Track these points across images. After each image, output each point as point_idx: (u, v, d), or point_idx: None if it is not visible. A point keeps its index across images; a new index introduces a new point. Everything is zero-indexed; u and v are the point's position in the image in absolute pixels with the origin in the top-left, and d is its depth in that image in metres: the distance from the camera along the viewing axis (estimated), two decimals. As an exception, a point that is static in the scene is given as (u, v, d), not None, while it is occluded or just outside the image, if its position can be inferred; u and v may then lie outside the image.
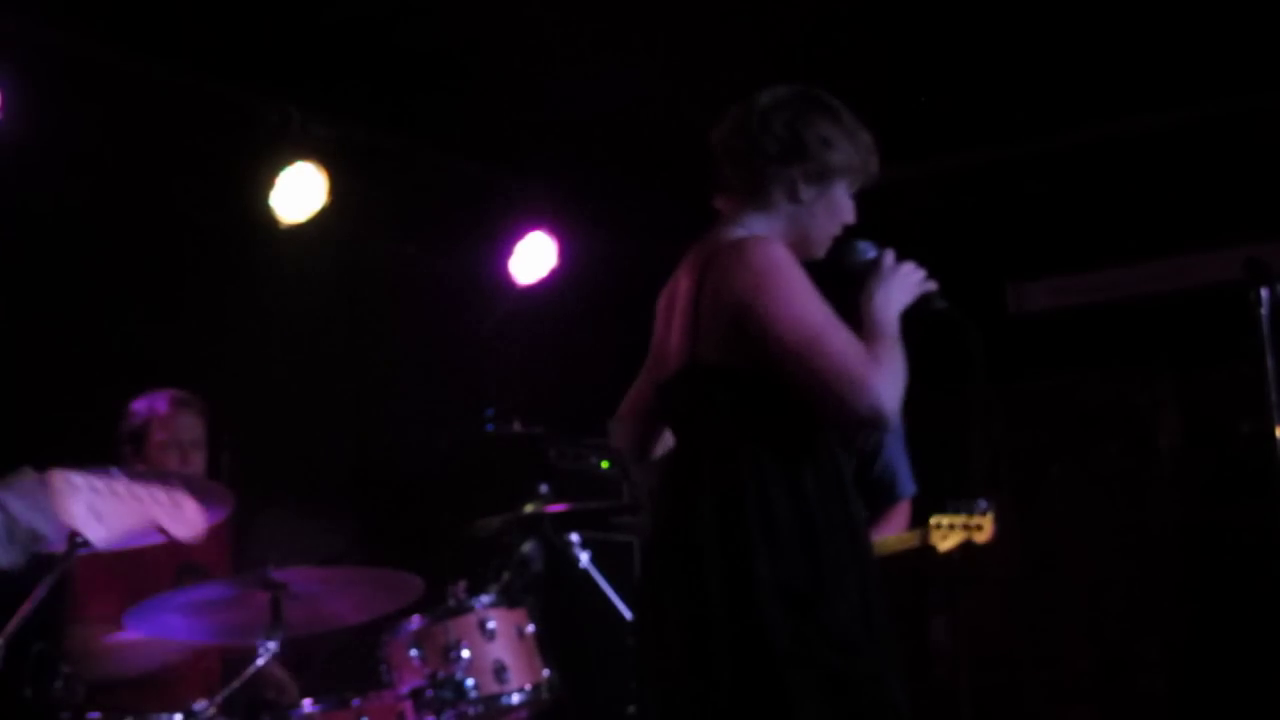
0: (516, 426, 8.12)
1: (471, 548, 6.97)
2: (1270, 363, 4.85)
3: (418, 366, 8.60)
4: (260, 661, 4.86)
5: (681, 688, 3.82)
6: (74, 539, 4.44)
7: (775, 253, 3.89)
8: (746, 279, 3.85)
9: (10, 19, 6.38)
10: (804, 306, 3.82)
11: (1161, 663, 8.51)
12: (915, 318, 4.03)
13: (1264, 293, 4.89)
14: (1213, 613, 8.57)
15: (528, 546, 6.60)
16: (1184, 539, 8.09)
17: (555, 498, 7.78)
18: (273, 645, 4.86)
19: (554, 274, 8.76)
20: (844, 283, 4.05)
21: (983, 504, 6.03)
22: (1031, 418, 8.43)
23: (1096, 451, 8.61)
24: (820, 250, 4.12)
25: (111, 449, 6.10)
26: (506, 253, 8.69)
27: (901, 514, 6.21)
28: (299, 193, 7.39)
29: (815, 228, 4.09)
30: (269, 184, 7.34)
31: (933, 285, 4.12)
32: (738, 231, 4.04)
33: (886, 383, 3.78)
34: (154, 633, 5.22)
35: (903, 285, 4.04)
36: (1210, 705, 8.02)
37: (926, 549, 6.09)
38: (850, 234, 4.19)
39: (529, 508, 6.71)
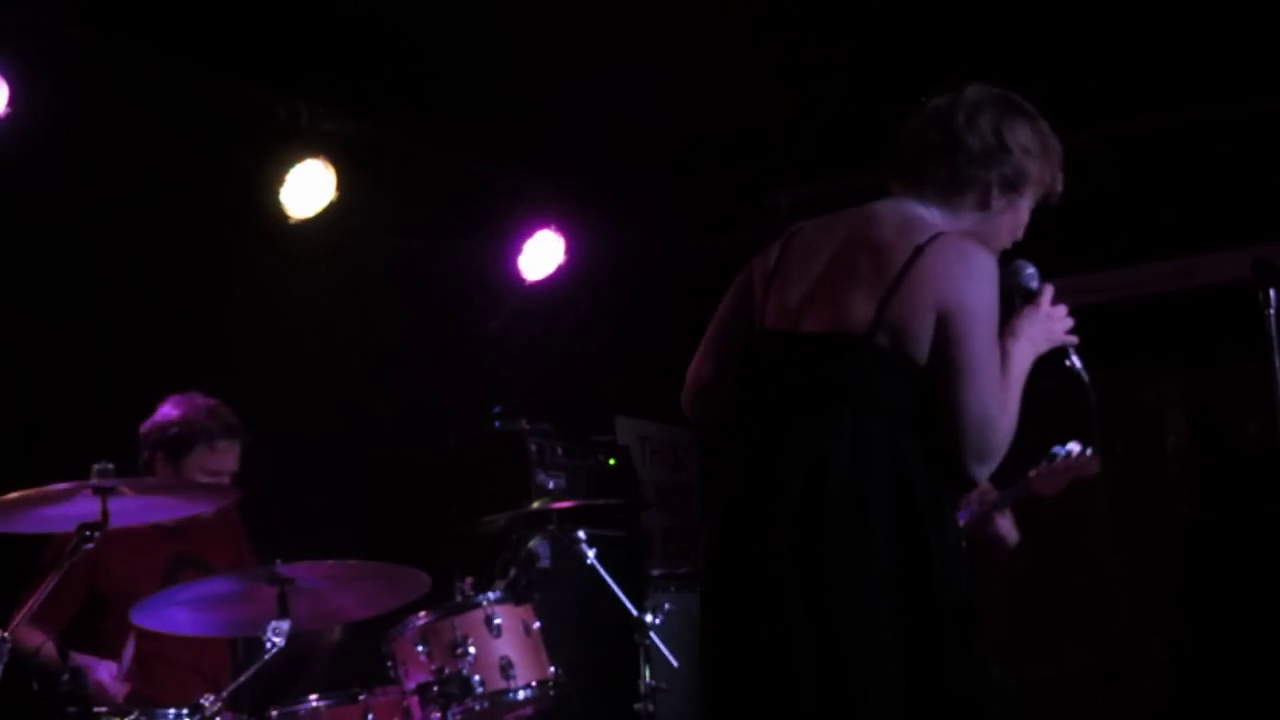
0: (523, 423, 8.13)
1: (478, 544, 6.97)
2: (1277, 363, 4.84)
3: (425, 363, 8.60)
4: (268, 655, 4.84)
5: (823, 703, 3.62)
6: (82, 530, 4.46)
7: (993, 270, 3.76)
8: (965, 282, 3.71)
9: (18, 13, 6.39)
10: (992, 342, 3.74)
11: (1168, 662, 8.51)
12: (1043, 364, 3.99)
13: (1271, 293, 4.89)
14: (1219, 612, 8.56)
15: (534, 543, 6.60)
16: (1190, 539, 8.08)
17: (562, 494, 7.81)
18: (281, 632, 4.84)
19: (561, 271, 8.77)
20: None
21: (1076, 446, 6.04)
22: (1036, 417, 8.41)
23: (1103, 451, 8.59)
24: None
25: (131, 443, 6.08)
26: (514, 250, 8.70)
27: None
28: (308, 189, 7.40)
29: (994, 239, 3.96)
30: (278, 180, 7.35)
31: (1074, 339, 4.06)
32: (931, 218, 3.88)
33: (996, 455, 3.74)
34: (159, 626, 5.21)
35: (1048, 331, 3.98)
36: (1217, 705, 8.01)
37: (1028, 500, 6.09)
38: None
39: (536, 504, 6.72)
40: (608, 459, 8.64)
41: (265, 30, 6.92)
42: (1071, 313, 4.09)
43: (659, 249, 9.51)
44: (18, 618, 4.72)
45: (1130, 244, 8.38)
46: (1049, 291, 4.03)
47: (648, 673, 6.42)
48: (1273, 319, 4.86)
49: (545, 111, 7.90)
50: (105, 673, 5.49)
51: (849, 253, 3.87)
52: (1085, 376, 4.16)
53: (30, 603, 4.58)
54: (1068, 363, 4.12)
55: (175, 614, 5.16)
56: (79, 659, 5.50)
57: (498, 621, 5.67)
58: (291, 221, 7.42)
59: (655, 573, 8.86)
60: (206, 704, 4.71)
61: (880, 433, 3.72)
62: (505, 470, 7.99)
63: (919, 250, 3.74)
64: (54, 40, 6.58)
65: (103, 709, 5.03)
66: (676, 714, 6.96)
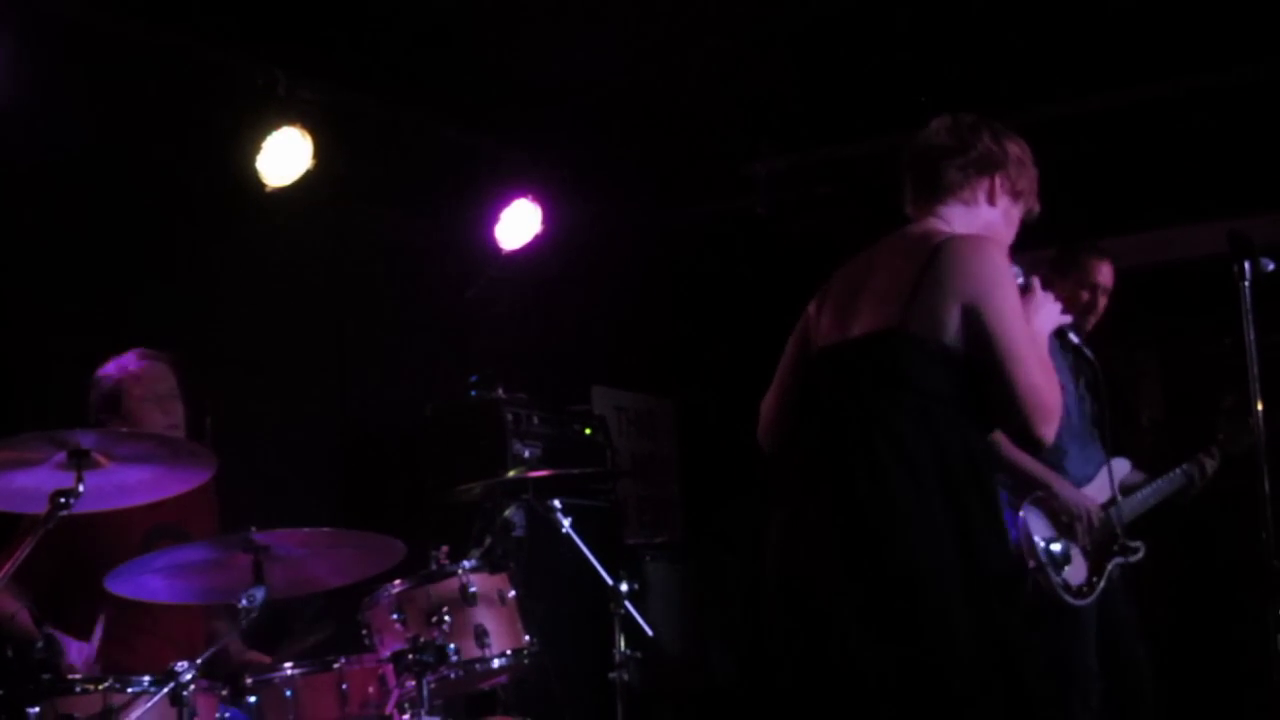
0: (500, 392, 8.13)
1: (454, 512, 6.98)
2: (1252, 335, 4.87)
3: (402, 331, 8.60)
4: (244, 623, 4.84)
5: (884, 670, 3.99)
6: (56, 499, 4.45)
7: (1005, 260, 4.21)
8: (984, 276, 4.12)
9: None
10: (1020, 321, 4.15)
11: (1144, 635, 8.53)
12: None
13: (1246, 266, 4.92)
14: (1193, 584, 8.60)
15: (510, 512, 6.62)
16: (1164, 511, 8.10)
17: (538, 463, 7.81)
18: (256, 599, 4.84)
19: (538, 240, 8.76)
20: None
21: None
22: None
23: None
24: None
25: (86, 416, 6.09)
26: (491, 219, 8.70)
27: None
28: (285, 157, 7.38)
29: (1000, 235, 4.42)
30: (255, 148, 7.33)
31: (1068, 319, 4.51)
32: (946, 227, 4.33)
33: (1057, 413, 4.14)
34: (135, 594, 5.20)
35: (1049, 315, 4.39)
36: (1190, 674, 8.05)
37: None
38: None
39: (512, 473, 6.73)
40: (584, 428, 8.65)
41: (243, -2, 6.90)
42: (1047, 285, 4.35)
43: (636, 219, 9.51)
44: (-4, 583, 4.72)
45: (1105, 217, 8.38)
46: (1037, 282, 4.38)
47: (622, 641, 6.44)
48: (1247, 291, 4.90)
49: (523, 81, 7.88)
50: (76, 655, 5.48)
51: (880, 268, 4.34)
52: (1087, 351, 4.78)
53: (7, 567, 4.57)
54: (1067, 340, 4.68)
55: (151, 581, 5.15)
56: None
57: (473, 590, 5.69)
58: (268, 190, 7.40)
59: (630, 542, 8.88)
60: (181, 671, 4.70)
61: (921, 411, 4.11)
62: (481, 439, 7.99)
63: (936, 249, 4.19)
64: (31, 8, 6.54)
65: (76, 676, 5.03)
66: (650, 682, 6.99)
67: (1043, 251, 6.99)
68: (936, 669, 3.94)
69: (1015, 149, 4.45)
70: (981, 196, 4.40)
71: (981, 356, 4.08)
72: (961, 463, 4.08)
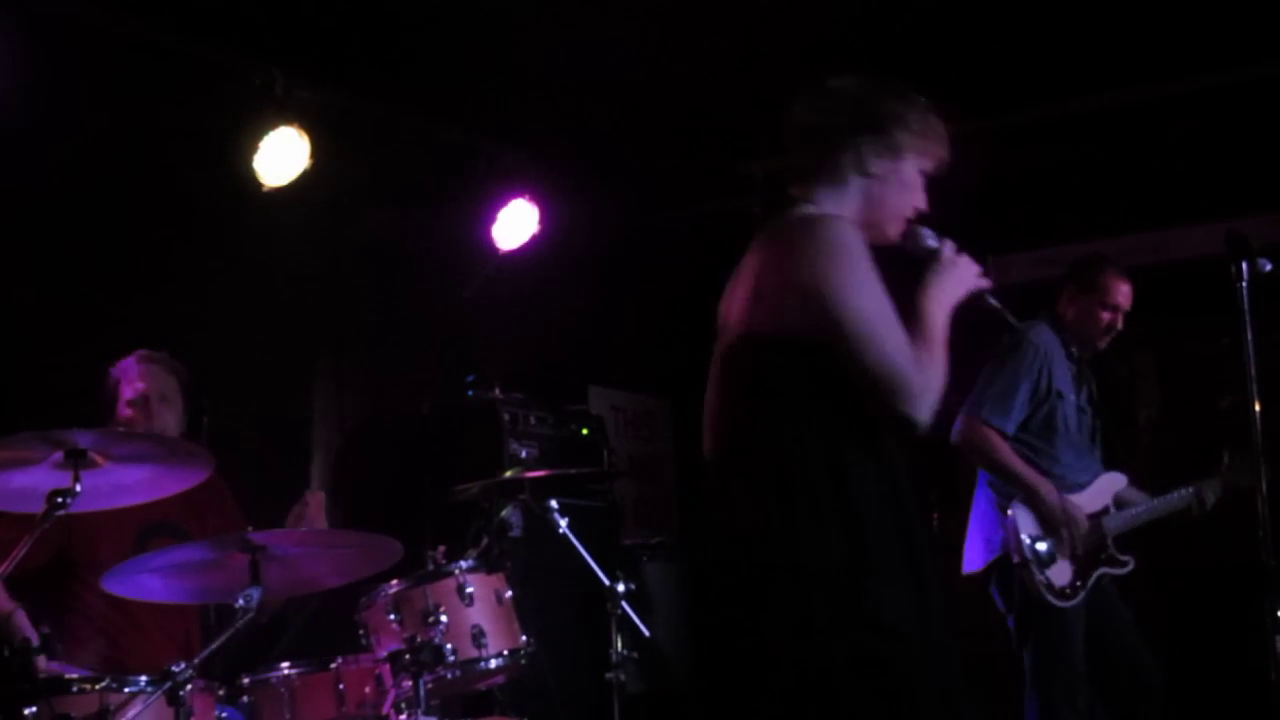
0: (497, 392, 8.13)
1: (451, 512, 6.98)
2: (1249, 336, 4.87)
3: (398, 331, 8.60)
4: (239, 623, 4.83)
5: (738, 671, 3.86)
6: (53, 499, 4.45)
7: (846, 234, 3.88)
8: (817, 257, 3.84)
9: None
10: (867, 297, 3.82)
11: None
12: (966, 310, 4.09)
13: (1244, 265, 4.92)
14: (1189, 588, 8.59)
15: (507, 512, 6.61)
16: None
17: (535, 463, 7.81)
18: (253, 599, 4.83)
19: (535, 240, 8.76)
20: (906, 266, 4.07)
21: None
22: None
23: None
24: (892, 230, 4.10)
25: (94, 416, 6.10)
26: (489, 219, 8.70)
27: None
28: (282, 156, 7.37)
29: (886, 203, 4.09)
30: (252, 147, 7.32)
31: (987, 282, 4.14)
32: (809, 209, 4.02)
33: (928, 391, 3.83)
34: (131, 593, 5.20)
35: (959, 280, 4.07)
36: (1187, 675, 8.04)
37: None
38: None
39: (509, 473, 6.72)
40: (581, 428, 8.65)
41: (240, -3, 6.90)
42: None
43: (633, 219, 9.51)
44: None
45: (1102, 217, 8.39)
46: (949, 245, 4.10)
47: (619, 642, 6.43)
48: (1244, 291, 4.90)
49: (520, 81, 7.88)
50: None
51: (744, 266, 4.09)
52: (1007, 314, 4.26)
53: (5, 566, 4.57)
54: (987, 304, 4.18)
55: (147, 581, 5.15)
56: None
57: (470, 590, 5.69)
58: (265, 189, 7.40)
59: (627, 542, 8.88)
60: (177, 671, 4.70)
61: (771, 419, 3.87)
62: (478, 439, 8.00)
63: (770, 239, 4.00)
64: (27, 6, 6.53)
65: (74, 675, 5.02)
66: (647, 682, 6.98)
67: (1044, 250, 7.01)
68: (748, 692, 3.78)
69: (891, 105, 4.11)
70: (849, 170, 4.05)
71: (832, 343, 3.79)
72: (815, 472, 3.81)
